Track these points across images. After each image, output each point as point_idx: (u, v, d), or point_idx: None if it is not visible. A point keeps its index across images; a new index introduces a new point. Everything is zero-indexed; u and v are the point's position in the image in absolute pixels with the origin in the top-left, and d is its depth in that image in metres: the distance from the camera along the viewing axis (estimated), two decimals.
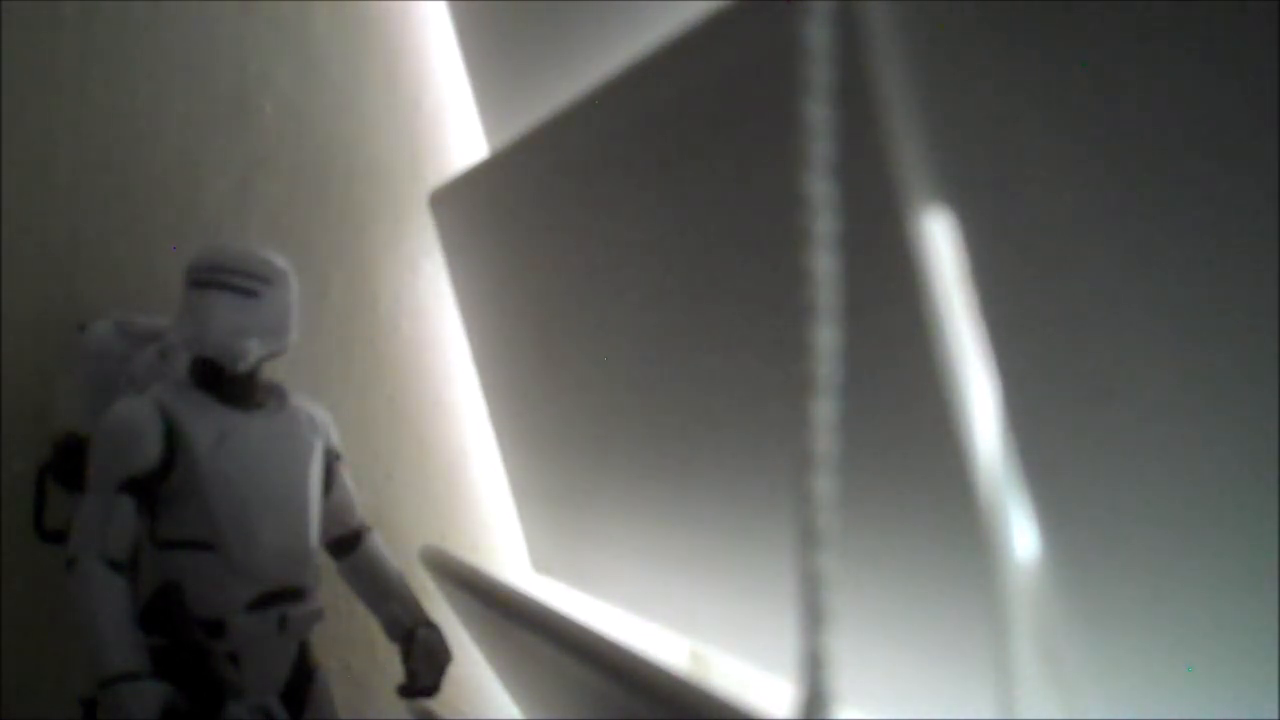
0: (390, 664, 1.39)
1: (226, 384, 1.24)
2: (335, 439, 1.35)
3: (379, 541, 1.39)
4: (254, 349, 1.22)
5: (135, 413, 1.19)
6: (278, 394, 1.30)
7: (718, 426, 1.06)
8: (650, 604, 1.33)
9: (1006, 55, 0.67)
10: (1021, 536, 0.74)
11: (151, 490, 1.18)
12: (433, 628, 1.33)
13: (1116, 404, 0.67)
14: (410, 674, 1.30)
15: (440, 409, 1.69)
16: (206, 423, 1.21)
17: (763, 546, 1.04)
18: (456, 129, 1.72)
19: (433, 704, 1.38)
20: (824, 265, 0.53)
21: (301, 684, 1.27)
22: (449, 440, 1.70)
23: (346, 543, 1.37)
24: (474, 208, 1.54)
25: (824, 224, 0.53)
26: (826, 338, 0.53)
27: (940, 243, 0.74)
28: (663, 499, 1.22)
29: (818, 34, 0.54)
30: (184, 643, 1.17)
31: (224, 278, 1.21)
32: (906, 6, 0.72)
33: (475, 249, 1.57)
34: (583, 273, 1.26)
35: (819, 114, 0.54)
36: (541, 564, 1.65)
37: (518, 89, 1.52)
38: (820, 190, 0.54)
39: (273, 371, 1.31)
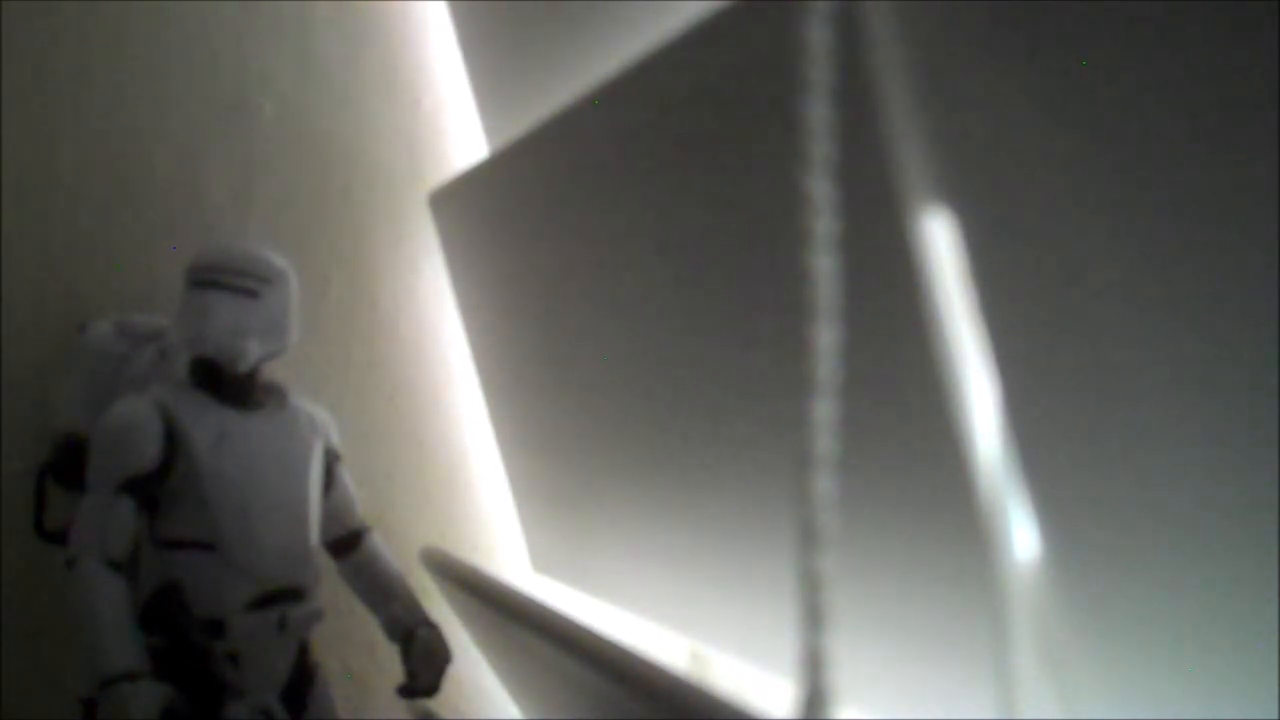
0: (390, 664, 1.39)
1: (226, 384, 1.24)
2: (335, 439, 1.35)
3: (379, 542, 1.39)
4: (254, 349, 1.22)
5: (135, 413, 1.19)
6: (278, 394, 1.29)
7: (718, 426, 1.06)
8: (650, 604, 1.33)
9: (1006, 55, 0.67)
10: (1021, 536, 0.74)
11: (151, 490, 1.17)
12: (433, 628, 1.33)
13: (1116, 404, 0.67)
14: (410, 674, 1.30)
15: (440, 409, 1.69)
16: (206, 423, 1.21)
17: (763, 546, 1.04)
18: (456, 129, 1.72)
19: (433, 704, 1.38)
20: (824, 265, 0.53)
21: (301, 684, 1.27)
22: (449, 440, 1.70)
23: (346, 543, 1.37)
24: (474, 208, 1.54)
25: (824, 224, 0.53)
26: (826, 338, 0.53)
27: (940, 243, 0.74)
28: (663, 499, 1.22)
29: (818, 34, 0.54)
30: (184, 643, 1.17)
31: (224, 278, 1.21)
32: (906, 6, 0.72)
33: (475, 249, 1.57)
34: (583, 273, 1.26)
35: (819, 114, 0.54)
36: (541, 564, 1.65)
37: (518, 89, 1.52)
38: (820, 190, 0.54)
39: (273, 371, 1.31)
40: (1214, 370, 0.61)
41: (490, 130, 1.65)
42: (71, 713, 1.18)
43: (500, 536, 1.71)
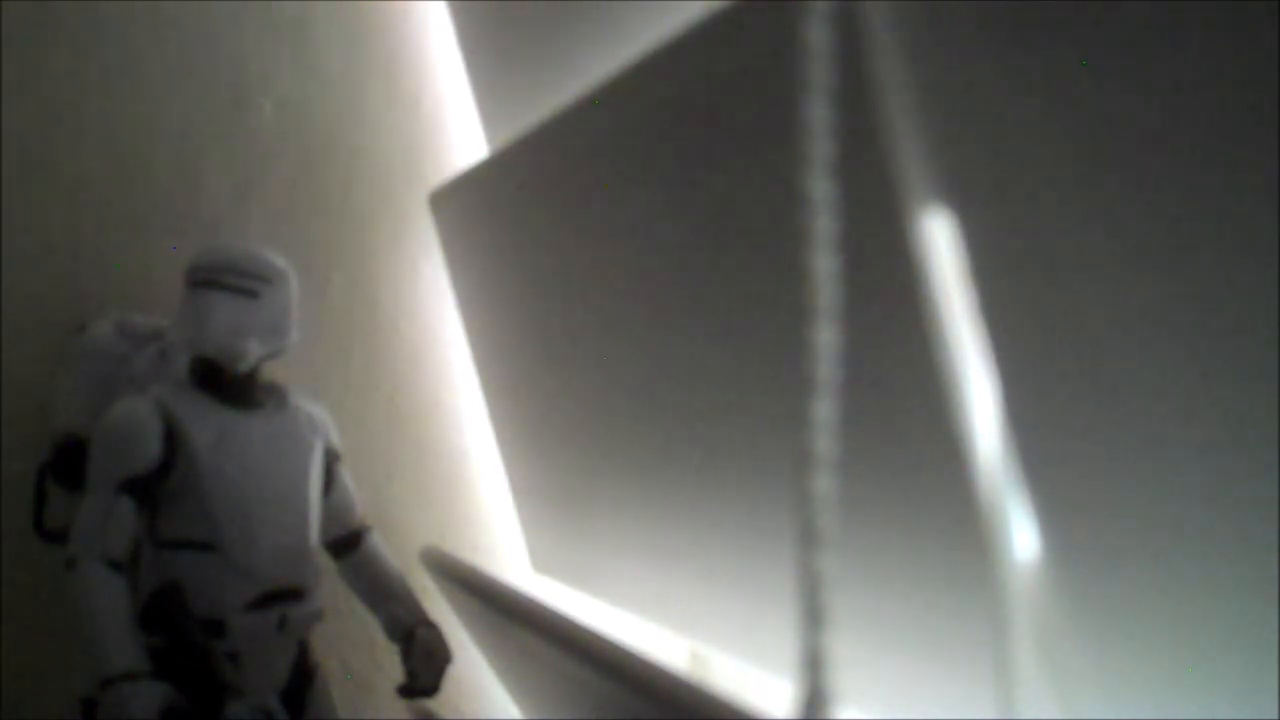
0: (390, 664, 1.39)
1: (226, 384, 1.24)
2: (335, 439, 1.35)
3: (379, 542, 1.39)
4: (254, 349, 1.22)
5: (135, 413, 1.19)
6: (277, 394, 1.29)
7: (718, 426, 1.06)
8: (650, 604, 1.33)
9: (1006, 55, 0.67)
10: (1021, 536, 0.74)
11: (151, 490, 1.17)
12: (432, 628, 1.33)
13: (1116, 404, 0.67)
14: (410, 674, 1.30)
15: (440, 409, 1.69)
16: (206, 423, 1.21)
17: (763, 546, 1.04)
18: (456, 129, 1.72)
19: (433, 704, 1.38)
20: (824, 265, 0.53)
21: (301, 684, 1.27)
22: (449, 440, 1.70)
23: (346, 543, 1.37)
24: (474, 208, 1.54)
25: (824, 224, 0.53)
26: (826, 338, 0.53)
27: (940, 243, 0.74)
28: (663, 499, 1.22)
29: (818, 34, 0.54)
30: (184, 643, 1.17)
31: (224, 278, 1.21)
32: (906, 6, 0.72)
33: (475, 249, 1.57)
34: (582, 273, 1.26)
35: (819, 114, 0.54)
36: (541, 564, 1.65)
37: (518, 89, 1.52)
38: (820, 190, 0.54)
39: (273, 371, 1.31)
40: (1213, 370, 0.61)
41: (490, 130, 1.65)
42: (71, 713, 1.18)
43: (500, 536, 1.71)
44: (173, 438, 1.19)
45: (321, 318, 1.58)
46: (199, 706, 1.14)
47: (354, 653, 1.55)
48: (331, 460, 1.34)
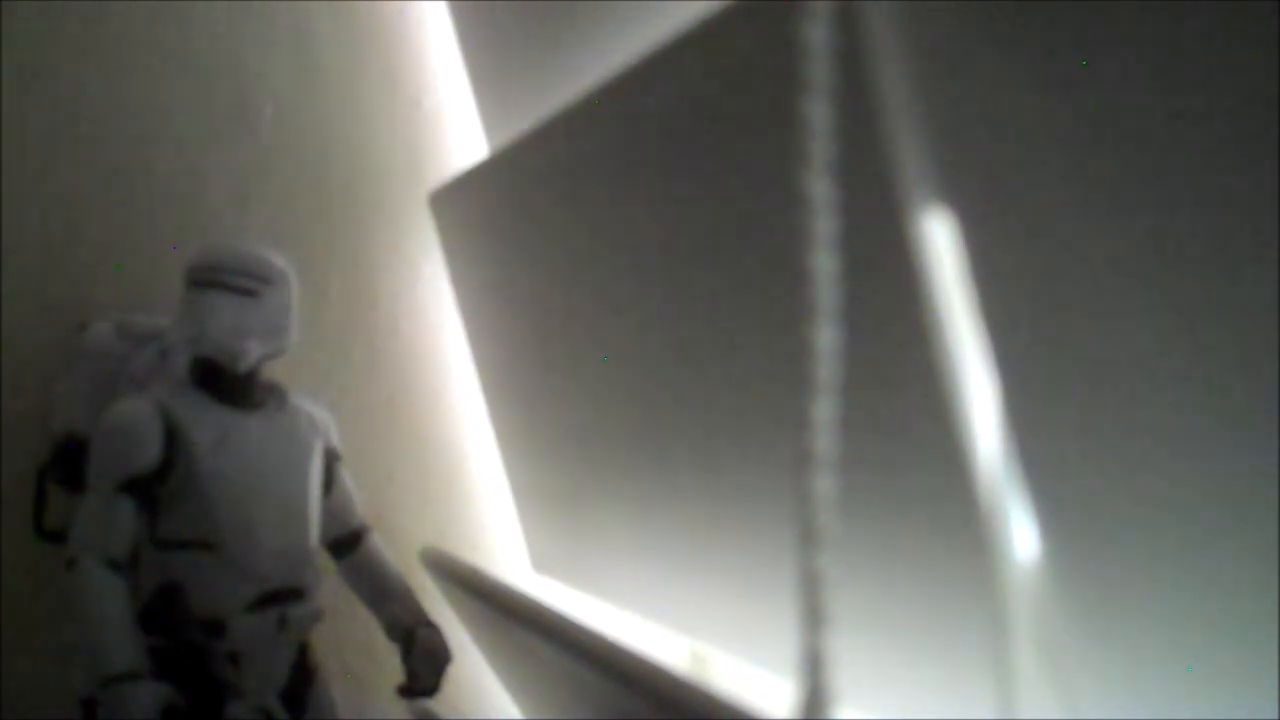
0: (390, 664, 1.39)
1: (226, 384, 1.24)
2: (335, 439, 1.35)
3: (379, 542, 1.39)
4: (253, 349, 1.22)
5: (135, 413, 1.19)
6: (277, 394, 1.30)
7: (718, 426, 1.06)
8: (650, 604, 1.33)
9: (1006, 55, 0.67)
10: (1021, 536, 0.74)
11: (151, 490, 1.17)
12: (433, 628, 1.33)
13: (1116, 404, 0.67)
14: (410, 674, 1.30)
15: (440, 409, 1.69)
16: (206, 422, 1.21)
17: (763, 546, 1.04)
18: (456, 129, 1.72)
19: (433, 704, 1.38)
20: (824, 265, 0.53)
21: (301, 684, 1.27)
22: (449, 440, 1.70)
23: (346, 543, 1.37)
24: (474, 208, 1.54)
25: (824, 224, 0.53)
26: (826, 338, 0.53)
27: (940, 243, 0.74)
28: (663, 499, 1.22)
29: (818, 34, 0.54)
30: (184, 643, 1.17)
31: (224, 278, 1.22)
32: (906, 6, 0.72)
33: (475, 249, 1.57)
34: (582, 273, 1.26)
35: (819, 114, 0.54)
36: (541, 564, 1.65)
37: (518, 89, 1.52)
38: (820, 190, 0.54)
39: (273, 371, 1.31)
40: (1213, 370, 0.61)
41: (490, 130, 1.65)
42: (71, 713, 1.18)
43: (500, 536, 1.71)
44: (173, 438, 1.19)
45: (321, 318, 1.58)
46: (199, 706, 1.14)
47: (354, 653, 1.55)
48: (331, 460, 1.34)
